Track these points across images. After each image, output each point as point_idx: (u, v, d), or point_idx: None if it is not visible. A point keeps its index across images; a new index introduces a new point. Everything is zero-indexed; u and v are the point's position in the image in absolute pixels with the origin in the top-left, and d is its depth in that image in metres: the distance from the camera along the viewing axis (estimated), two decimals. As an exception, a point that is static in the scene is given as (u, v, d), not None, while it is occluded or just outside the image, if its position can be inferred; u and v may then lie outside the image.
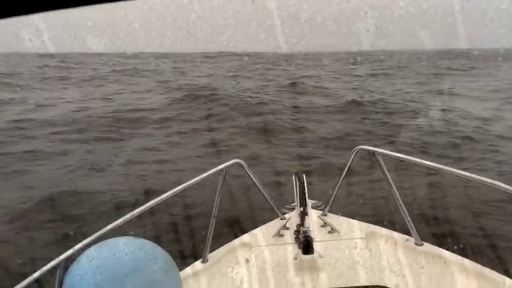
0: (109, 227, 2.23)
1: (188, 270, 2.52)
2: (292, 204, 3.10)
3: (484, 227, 5.12)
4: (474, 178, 2.18)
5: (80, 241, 2.13)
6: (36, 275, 1.96)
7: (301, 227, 2.59)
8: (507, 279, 2.08)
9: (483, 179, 2.14)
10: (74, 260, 2.09)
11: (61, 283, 2.01)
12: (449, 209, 5.59)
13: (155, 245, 2.30)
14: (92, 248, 2.13)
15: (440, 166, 2.36)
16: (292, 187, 3.08)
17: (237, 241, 2.78)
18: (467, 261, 2.27)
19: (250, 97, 15.05)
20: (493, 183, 2.09)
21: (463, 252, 2.46)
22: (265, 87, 18.11)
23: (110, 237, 2.20)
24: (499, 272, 2.16)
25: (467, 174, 2.23)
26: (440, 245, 2.51)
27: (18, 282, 1.90)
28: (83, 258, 2.07)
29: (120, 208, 5.81)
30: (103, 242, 2.18)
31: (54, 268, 2.01)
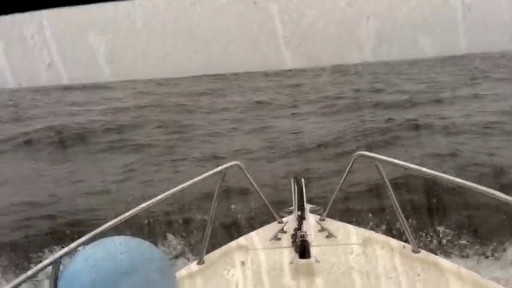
0: (105, 226, 2.22)
1: (184, 271, 2.51)
2: (290, 208, 3.10)
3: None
4: (473, 187, 2.18)
5: (75, 240, 2.13)
6: (30, 272, 1.95)
7: (298, 231, 2.58)
8: (502, 287, 2.08)
9: (481, 187, 2.14)
10: (69, 258, 2.08)
11: (56, 281, 2.00)
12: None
13: (151, 245, 2.29)
14: (88, 247, 2.12)
15: (440, 174, 2.36)
16: (290, 191, 3.08)
17: (233, 243, 2.77)
18: (463, 270, 2.26)
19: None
20: (491, 193, 2.09)
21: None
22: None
23: (106, 237, 2.19)
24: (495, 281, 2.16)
25: (467, 182, 2.23)
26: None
27: None
28: (78, 257, 2.06)
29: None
30: (99, 240, 2.17)
31: (49, 266, 2.00)
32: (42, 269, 1.98)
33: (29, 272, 1.95)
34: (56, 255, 2.02)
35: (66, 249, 2.07)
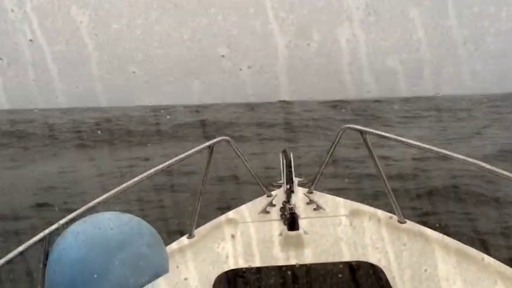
0: (95, 201, 2.22)
1: (174, 245, 2.54)
2: (279, 182, 3.12)
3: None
4: (459, 158, 2.21)
5: (65, 216, 2.12)
6: (21, 248, 1.95)
7: (287, 204, 2.61)
8: (485, 256, 2.15)
9: (467, 159, 2.17)
10: (59, 234, 2.08)
11: (46, 257, 2.01)
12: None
13: (141, 219, 2.30)
14: (77, 223, 2.11)
15: (426, 146, 2.38)
16: (279, 164, 3.10)
17: (223, 217, 2.80)
18: (447, 239, 2.32)
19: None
20: (476, 163, 2.12)
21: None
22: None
23: (96, 212, 2.19)
24: (478, 249, 2.22)
25: (453, 154, 2.26)
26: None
27: None
28: (68, 233, 2.06)
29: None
30: (88, 216, 2.17)
31: (39, 242, 2.00)
32: (31, 246, 1.98)
33: (19, 248, 1.95)
34: (46, 231, 2.02)
35: (55, 225, 2.07)
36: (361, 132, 2.57)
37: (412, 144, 2.46)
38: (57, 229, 2.06)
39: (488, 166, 2.08)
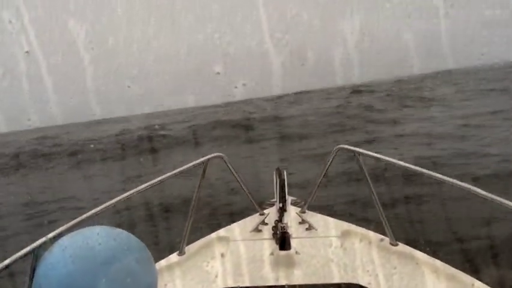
0: (84, 216, 2.19)
1: (164, 262, 2.50)
2: (272, 200, 3.11)
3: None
4: (450, 181, 2.21)
5: (53, 230, 2.09)
6: (7, 262, 1.91)
7: (279, 223, 2.59)
8: (476, 281, 2.14)
9: (459, 183, 2.18)
10: (46, 248, 2.05)
11: (33, 272, 1.97)
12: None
13: (130, 235, 2.27)
14: (65, 237, 2.08)
15: (418, 168, 2.39)
16: (272, 183, 3.09)
17: (214, 235, 2.77)
18: (438, 263, 2.32)
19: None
20: (468, 188, 2.12)
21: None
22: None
23: (85, 227, 2.16)
24: (469, 274, 2.21)
25: (444, 177, 2.26)
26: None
27: None
28: (55, 247, 2.03)
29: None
30: (77, 231, 2.14)
31: (26, 256, 1.96)
32: (19, 258, 1.94)
33: (5, 262, 1.91)
34: (33, 245, 1.98)
35: (43, 239, 2.04)
36: (354, 153, 2.58)
37: (405, 166, 2.46)
38: (45, 243, 2.03)
39: (480, 191, 2.09)
